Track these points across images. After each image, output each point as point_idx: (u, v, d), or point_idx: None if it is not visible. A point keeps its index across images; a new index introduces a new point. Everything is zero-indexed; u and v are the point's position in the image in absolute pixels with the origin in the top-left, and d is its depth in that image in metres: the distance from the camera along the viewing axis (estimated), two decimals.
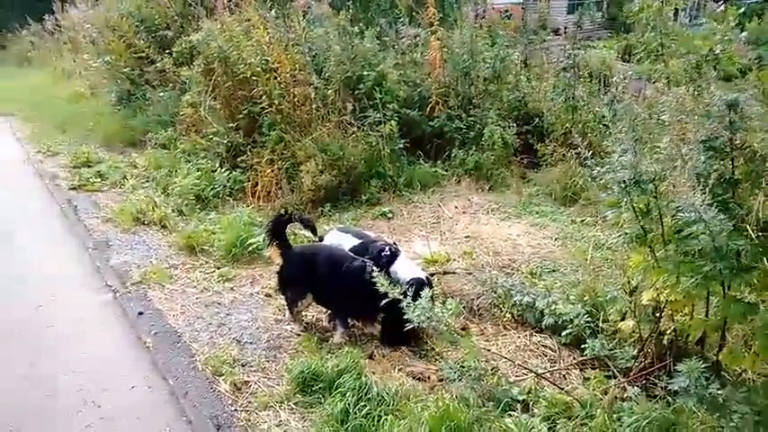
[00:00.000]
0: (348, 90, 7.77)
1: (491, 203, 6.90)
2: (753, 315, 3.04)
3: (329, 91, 7.55)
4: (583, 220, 6.22)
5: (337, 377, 3.56)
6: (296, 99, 7.44)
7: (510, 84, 8.58)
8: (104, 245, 6.03)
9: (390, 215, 6.66)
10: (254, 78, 7.25)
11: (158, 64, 9.61)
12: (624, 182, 3.11)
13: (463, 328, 4.39)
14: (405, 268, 4.36)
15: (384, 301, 3.30)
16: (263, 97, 7.23)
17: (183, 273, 5.38)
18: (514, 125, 7.80)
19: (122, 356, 4.17)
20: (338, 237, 4.99)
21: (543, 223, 6.31)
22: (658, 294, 3.14)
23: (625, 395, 3.27)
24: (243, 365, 3.94)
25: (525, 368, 3.59)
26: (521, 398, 3.36)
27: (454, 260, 5.49)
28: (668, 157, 3.13)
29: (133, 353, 4.19)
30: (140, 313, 4.64)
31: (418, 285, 3.91)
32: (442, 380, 3.65)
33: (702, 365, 2.70)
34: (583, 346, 3.63)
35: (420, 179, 7.42)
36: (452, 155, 7.74)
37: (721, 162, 3.17)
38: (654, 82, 9.56)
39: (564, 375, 3.69)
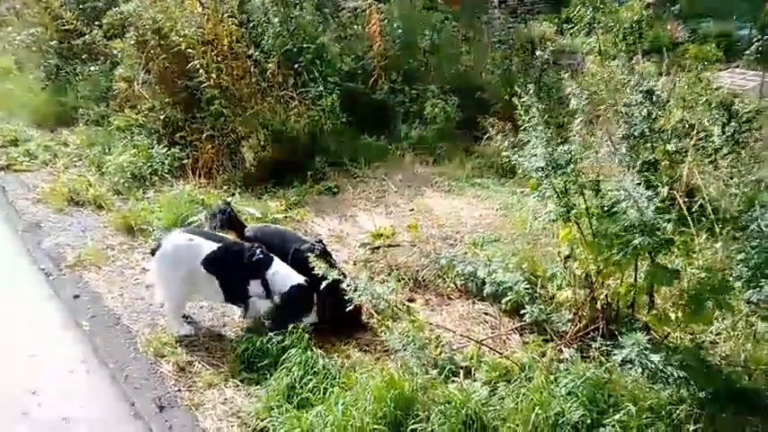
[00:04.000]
0: (289, 63, 7.61)
1: (435, 176, 6.97)
2: (676, 280, 3.23)
3: (269, 64, 7.37)
4: (523, 191, 6.36)
5: (283, 353, 3.56)
6: (235, 72, 7.23)
7: (450, 56, 8.59)
8: (36, 227, 5.76)
9: (336, 190, 6.62)
10: (190, 51, 7.00)
11: (87, 37, 9.14)
12: (541, 168, 3.22)
13: (409, 300, 4.45)
14: None
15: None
16: (201, 71, 7.00)
17: (120, 254, 5.21)
18: (456, 98, 7.85)
19: (58, 341, 4.03)
20: None
21: (485, 195, 6.42)
22: (588, 265, 3.27)
23: (562, 357, 3.42)
24: (186, 346, 3.88)
25: (467, 337, 3.68)
26: (463, 364, 3.44)
27: (399, 233, 5.53)
28: (584, 143, 3.27)
29: (70, 337, 4.06)
30: (76, 296, 4.49)
31: None
32: (387, 350, 3.70)
33: (645, 338, 2.86)
34: (522, 312, 3.77)
35: (364, 153, 7.38)
36: (396, 129, 7.74)
37: (643, 146, 3.34)
38: (587, 54, 9.83)
39: (504, 341, 3.81)
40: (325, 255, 4.18)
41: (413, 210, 6.17)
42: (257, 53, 7.41)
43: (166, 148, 7.06)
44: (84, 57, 9.45)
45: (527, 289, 3.84)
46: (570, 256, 3.64)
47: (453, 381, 3.27)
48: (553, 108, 7.23)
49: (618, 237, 2.99)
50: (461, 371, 3.36)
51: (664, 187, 3.10)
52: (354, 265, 5.04)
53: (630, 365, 2.82)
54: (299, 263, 3.97)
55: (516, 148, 3.38)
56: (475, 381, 3.31)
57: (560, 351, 3.45)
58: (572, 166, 3.12)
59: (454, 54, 8.68)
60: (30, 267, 4.98)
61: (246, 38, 7.53)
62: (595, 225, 3.15)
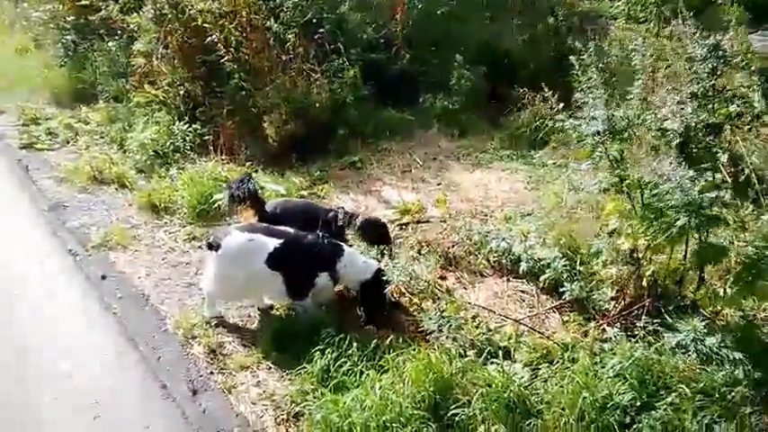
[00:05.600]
0: (309, 35, 7.41)
1: (461, 149, 6.80)
2: (725, 257, 3.07)
3: (289, 36, 7.18)
4: (554, 163, 6.17)
5: (315, 334, 3.47)
6: (254, 45, 7.06)
7: (473, 23, 8.29)
8: (60, 206, 5.72)
9: (359, 165, 6.48)
10: (207, 26, 6.83)
11: (103, 12, 8.99)
12: (598, 133, 3.04)
13: (441, 278, 4.32)
14: None
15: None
16: (219, 45, 6.84)
17: (146, 233, 5.15)
18: (483, 68, 7.60)
19: (88, 323, 3.98)
20: None
21: (515, 167, 6.24)
22: (636, 240, 3.11)
23: (605, 336, 3.28)
24: (216, 327, 3.81)
25: (504, 316, 3.55)
26: (502, 345, 3.33)
27: (427, 209, 5.39)
28: (642, 104, 3.07)
29: (99, 318, 4.01)
30: (103, 277, 4.44)
31: None
32: (421, 330, 3.59)
33: (697, 318, 2.71)
34: (561, 290, 3.64)
35: (388, 126, 7.22)
36: (420, 100, 7.55)
37: (704, 107, 3.13)
38: (611, 18, 9.41)
39: (543, 320, 3.67)
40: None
41: (440, 184, 6.02)
42: (276, 25, 7.22)
43: (187, 125, 6.94)
44: (101, 32, 9.34)
45: (566, 266, 3.69)
46: (615, 230, 3.47)
47: (492, 362, 3.16)
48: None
49: (664, 213, 2.82)
50: (500, 352, 3.23)
51: (724, 154, 2.91)
52: None
53: (685, 351, 2.68)
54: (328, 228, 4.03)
55: (566, 113, 3.19)
56: (515, 362, 3.20)
57: (603, 330, 3.32)
58: (630, 131, 2.94)
59: (477, 21, 8.38)
60: (56, 248, 4.94)
61: (265, 9, 7.34)
62: (647, 197, 2.97)
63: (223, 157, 6.60)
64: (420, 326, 3.59)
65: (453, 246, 4.64)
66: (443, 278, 4.36)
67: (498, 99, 7.70)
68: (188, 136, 6.83)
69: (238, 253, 3.65)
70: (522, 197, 5.58)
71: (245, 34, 7.01)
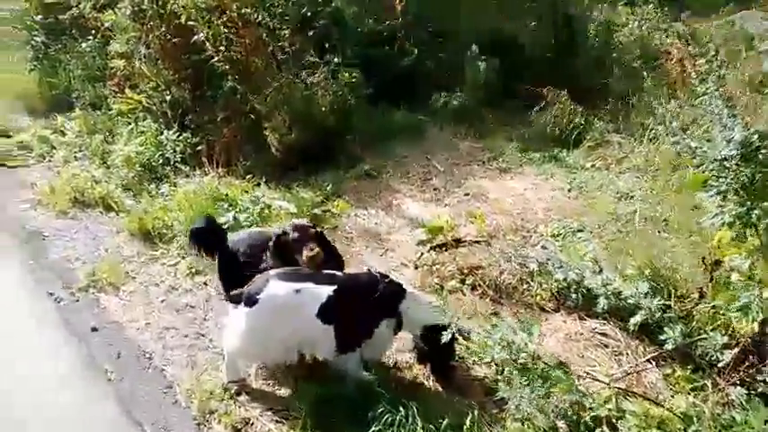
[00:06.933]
0: (304, 31, 6.70)
1: (484, 153, 6.15)
2: None
3: (284, 32, 6.45)
4: (593, 165, 5.55)
5: (363, 402, 2.80)
6: (247, 41, 6.31)
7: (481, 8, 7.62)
8: (38, 236, 4.97)
9: (374, 173, 5.79)
10: (192, 24, 6.07)
11: (74, 9, 8.16)
12: (725, 158, 2.41)
13: (494, 314, 3.68)
14: None
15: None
16: (207, 43, 6.09)
17: (140, 267, 4.43)
18: (497, 60, 6.94)
19: (75, 391, 3.25)
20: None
21: (549, 171, 5.60)
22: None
23: (727, 399, 2.67)
24: (238, 394, 3.11)
25: (598, 380, 2.87)
26: (601, 413, 2.69)
27: (460, 225, 4.74)
28: None
29: (89, 385, 3.28)
30: (94, 329, 3.71)
31: None
32: (488, 393, 2.95)
33: None
34: (660, 337, 2.99)
35: (399, 129, 6.56)
36: (432, 98, 6.88)
37: None
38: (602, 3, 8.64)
39: (638, 373, 3.04)
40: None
41: (467, 194, 5.36)
42: (269, 18, 6.48)
43: (177, 134, 6.22)
44: (73, 32, 8.50)
45: (660, 305, 3.05)
46: (719, 262, 2.86)
47: None
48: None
49: None
50: (603, 424, 2.60)
51: None
52: (417, 269, 4.26)
53: None
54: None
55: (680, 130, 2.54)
56: None
57: (724, 392, 2.70)
58: (765, 151, 2.31)
59: (483, 9, 7.69)
60: (34, 290, 4.19)
61: (256, 2, 6.61)
62: None
63: (220, 170, 5.87)
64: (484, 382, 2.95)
65: (501, 273, 4.00)
66: (496, 314, 3.72)
67: (511, 95, 7.05)
68: (178, 147, 6.11)
69: (283, 307, 2.94)
70: (565, 207, 4.95)
71: (235, 29, 6.27)
